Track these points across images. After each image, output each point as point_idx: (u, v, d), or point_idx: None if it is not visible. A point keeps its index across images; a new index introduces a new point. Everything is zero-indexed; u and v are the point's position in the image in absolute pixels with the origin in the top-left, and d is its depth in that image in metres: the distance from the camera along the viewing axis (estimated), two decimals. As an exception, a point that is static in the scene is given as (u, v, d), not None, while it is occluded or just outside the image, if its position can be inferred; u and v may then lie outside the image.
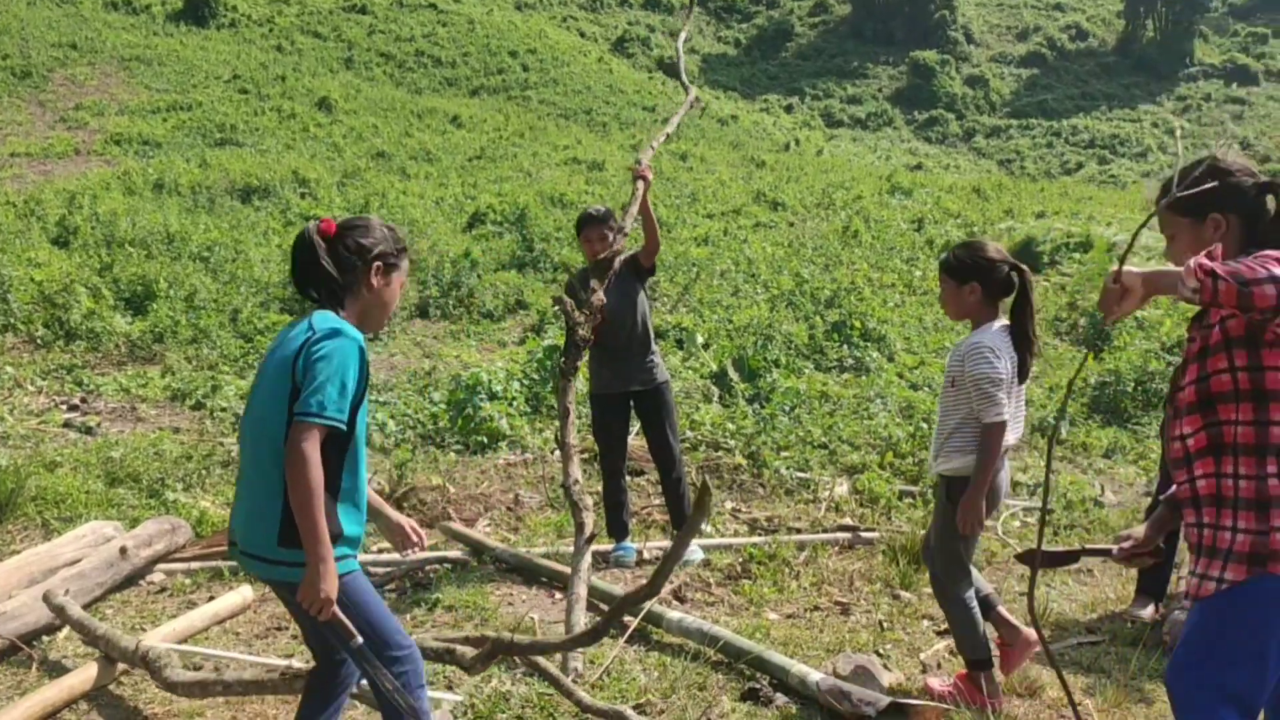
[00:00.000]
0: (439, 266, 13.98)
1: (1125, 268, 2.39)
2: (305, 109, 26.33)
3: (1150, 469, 8.12)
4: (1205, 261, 2.23)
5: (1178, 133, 3.59)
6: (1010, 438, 3.62)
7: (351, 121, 26.08)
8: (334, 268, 2.74)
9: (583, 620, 4.02)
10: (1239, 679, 2.39)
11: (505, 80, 35.76)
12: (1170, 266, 2.48)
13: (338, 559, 2.57)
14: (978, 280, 3.62)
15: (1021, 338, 3.65)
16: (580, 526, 4.43)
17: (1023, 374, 3.67)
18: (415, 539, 3.10)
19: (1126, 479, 7.96)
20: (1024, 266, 3.69)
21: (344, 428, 2.59)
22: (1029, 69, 53.23)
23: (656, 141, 5.98)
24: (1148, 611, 4.65)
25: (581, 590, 4.19)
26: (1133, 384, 9.82)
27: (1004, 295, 3.67)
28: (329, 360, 2.57)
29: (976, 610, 3.71)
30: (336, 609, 2.56)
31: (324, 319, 2.68)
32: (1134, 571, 5.08)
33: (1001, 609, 3.85)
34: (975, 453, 3.57)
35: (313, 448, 2.52)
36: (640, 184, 5.27)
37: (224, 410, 7.86)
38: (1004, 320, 3.68)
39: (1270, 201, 2.50)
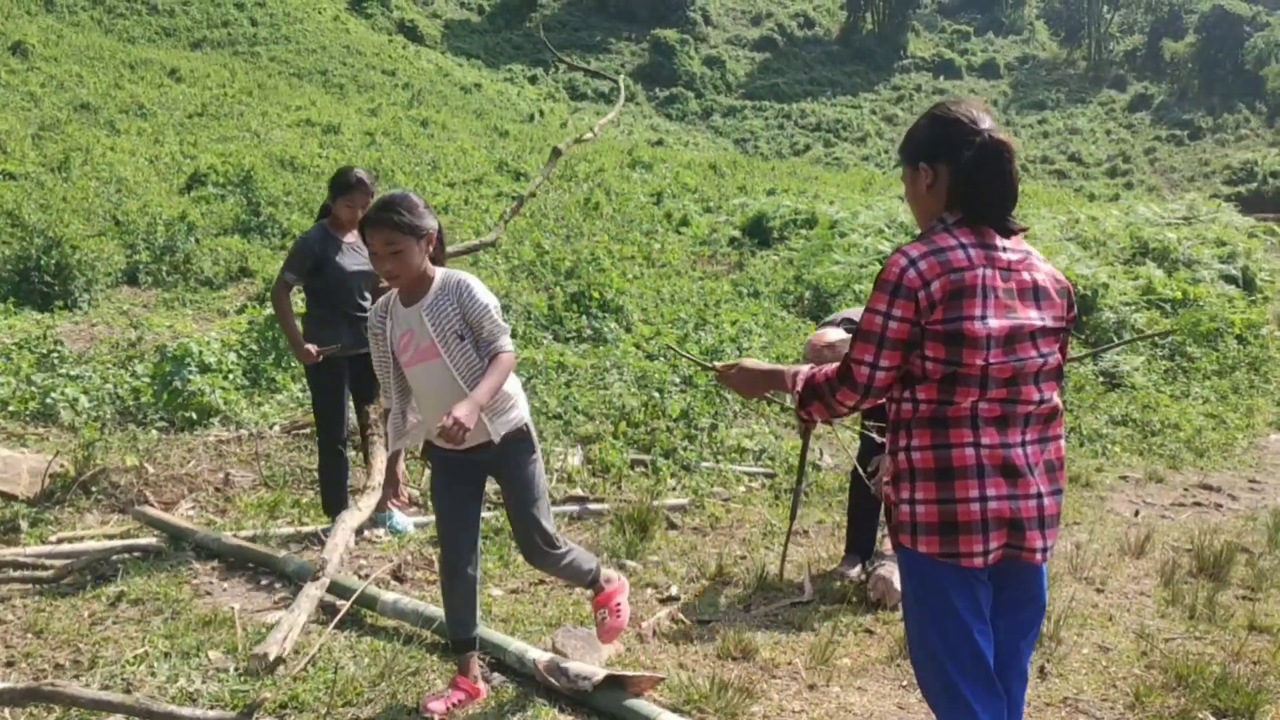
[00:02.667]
0: (151, 229, 12.86)
1: (745, 362, 2.76)
2: (-5, 52, 23.62)
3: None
4: (799, 392, 2.53)
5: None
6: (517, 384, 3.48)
7: (51, 69, 23.65)
8: None
9: (297, 625, 3.72)
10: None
11: (231, 34, 33.55)
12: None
13: None
14: (431, 230, 3.34)
15: None
16: (322, 564, 4.20)
17: None
18: None
19: (844, 443, 8.37)
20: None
21: None
22: (762, 53, 55.56)
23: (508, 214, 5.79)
24: (855, 570, 4.87)
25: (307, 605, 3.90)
26: (850, 353, 10.37)
27: None
28: None
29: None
30: None
31: None
32: (844, 532, 5.32)
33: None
34: (492, 377, 3.23)
35: None
36: None
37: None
38: None
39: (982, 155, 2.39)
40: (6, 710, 3.07)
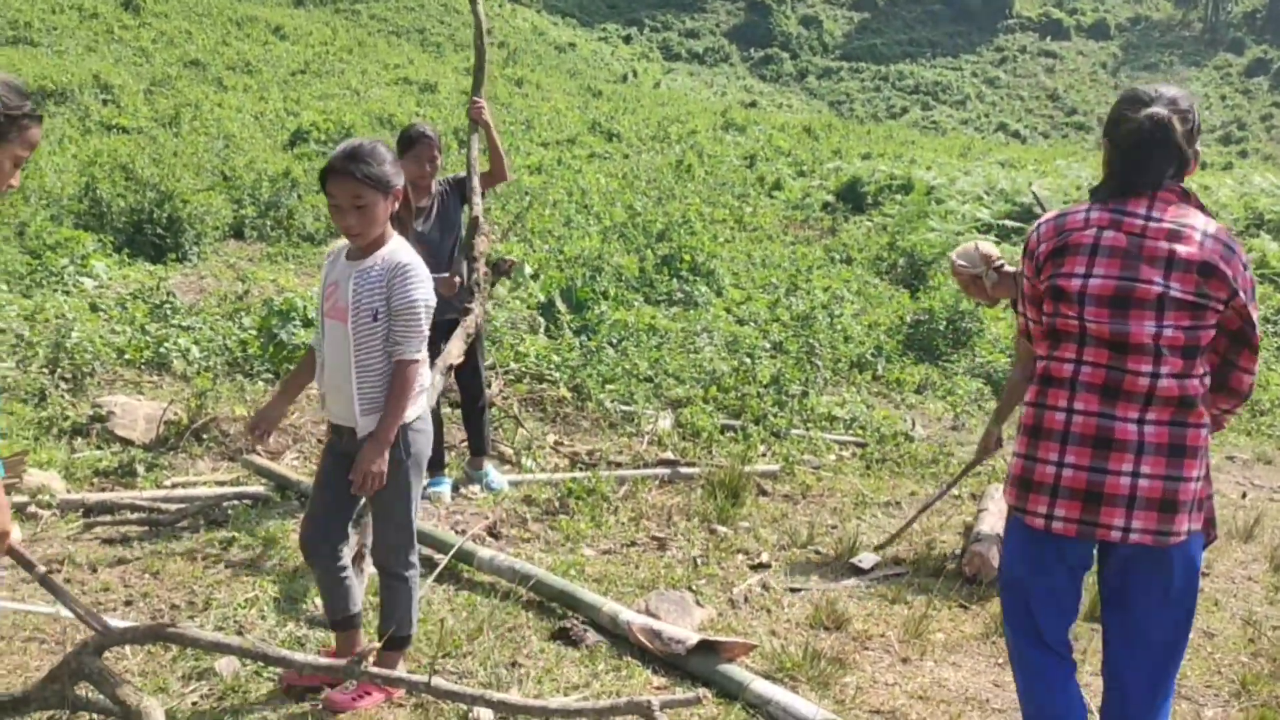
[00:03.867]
0: (256, 185, 13.21)
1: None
2: (110, 9, 24.37)
3: (957, 405, 8.47)
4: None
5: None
6: (428, 376, 3.18)
7: (162, 25, 24.31)
8: None
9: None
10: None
11: (333, -9, 34.01)
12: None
13: None
14: (399, 185, 3.04)
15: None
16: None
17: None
18: None
19: (935, 414, 8.27)
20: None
21: None
22: (860, 12, 54.29)
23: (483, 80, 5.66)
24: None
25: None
26: (945, 323, 10.20)
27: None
28: None
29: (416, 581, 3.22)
30: None
31: None
32: (941, 504, 5.26)
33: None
34: (395, 397, 2.97)
35: None
36: (482, 127, 5.19)
37: (2, 331, 7.20)
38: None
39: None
40: (127, 647, 3.23)
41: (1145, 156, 2.42)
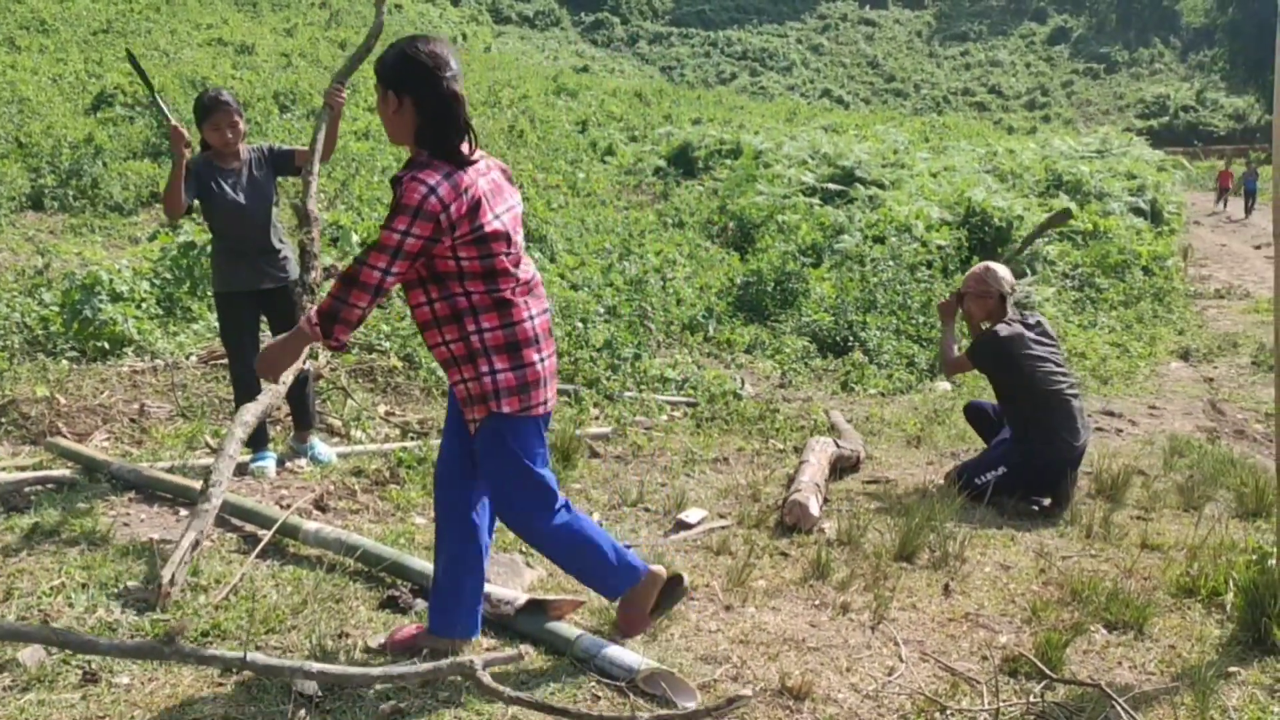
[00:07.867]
0: (55, 152, 12.42)
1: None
2: (-122, -40, 22.25)
3: (785, 363, 8.76)
4: (318, 325, 2.86)
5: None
6: None
7: (-59, -20, 22.36)
8: None
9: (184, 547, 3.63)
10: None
11: (136, -55, 31.97)
12: None
13: None
14: None
15: None
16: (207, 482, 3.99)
17: None
18: None
19: (764, 372, 8.53)
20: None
21: None
22: (689, -22, 54.63)
23: (352, 68, 5.38)
24: None
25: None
26: (773, 284, 10.49)
27: None
28: None
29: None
30: None
31: None
32: (762, 459, 5.43)
33: None
34: None
35: None
36: (330, 111, 4.97)
37: None
38: None
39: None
40: (-81, 643, 3.03)
41: (460, 125, 2.88)
